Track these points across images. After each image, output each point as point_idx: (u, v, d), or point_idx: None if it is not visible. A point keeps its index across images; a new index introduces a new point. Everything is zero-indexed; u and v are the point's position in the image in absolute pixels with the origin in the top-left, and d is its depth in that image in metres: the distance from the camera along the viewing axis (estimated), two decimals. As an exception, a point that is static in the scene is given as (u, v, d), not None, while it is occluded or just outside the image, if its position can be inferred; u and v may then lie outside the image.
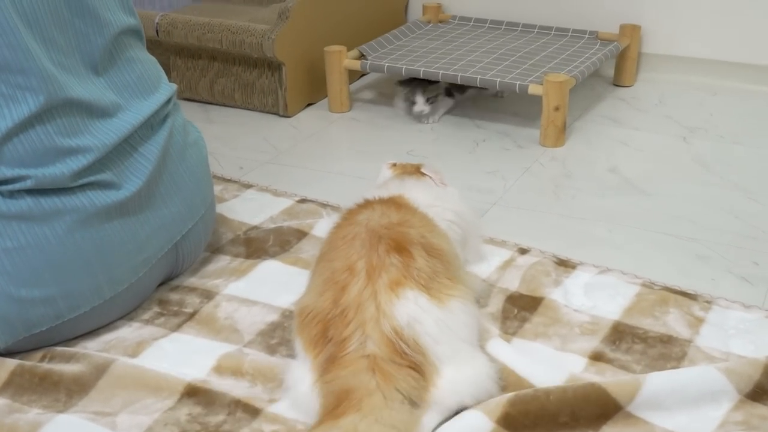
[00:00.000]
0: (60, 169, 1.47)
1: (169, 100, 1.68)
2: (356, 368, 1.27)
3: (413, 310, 1.33)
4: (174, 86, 1.72)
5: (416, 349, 1.30)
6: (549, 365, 1.45)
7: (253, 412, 1.37)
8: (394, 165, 1.80)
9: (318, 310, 1.37)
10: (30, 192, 1.45)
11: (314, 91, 2.68)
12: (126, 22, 1.63)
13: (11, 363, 1.46)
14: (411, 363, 1.29)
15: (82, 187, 1.50)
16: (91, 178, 1.51)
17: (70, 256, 1.48)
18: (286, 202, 2.04)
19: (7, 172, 1.44)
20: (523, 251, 1.80)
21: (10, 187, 1.44)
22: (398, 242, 1.41)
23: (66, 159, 1.48)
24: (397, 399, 1.25)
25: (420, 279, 1.36)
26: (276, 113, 2.62)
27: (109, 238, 1.52)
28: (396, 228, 1.44)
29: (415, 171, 1.77)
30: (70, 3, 1.52)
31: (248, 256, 1.81)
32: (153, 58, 1.72)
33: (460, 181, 2.16)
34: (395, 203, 1.54)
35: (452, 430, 1.28)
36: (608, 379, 1.36)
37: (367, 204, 1.54)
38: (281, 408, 1.38)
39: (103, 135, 1.54)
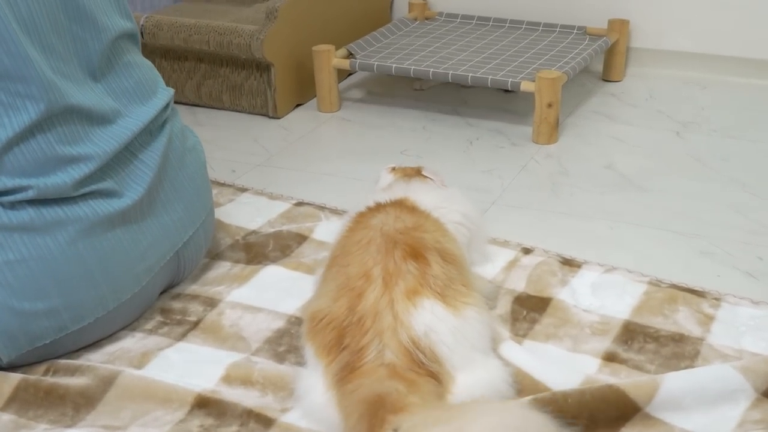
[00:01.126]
0: (62, 178, 1.45)
1: (167, 106, 1.67)
2: (379, 376, 1.27)
3: (430, 320, 1.33)
4: (171, 91, 1.71)
5: (432, 358, 1.30)
6: (563, 367, 1.45)
7: (266, 422, 1.36)
8: (394, 169, 1.80)
9: (333, 316, 1.36)
10: (32, 202, 1.44)
11: (303, 91, 2.68)
12: (123, 26, 1.61)
13: (15, 377, 1.44)
14: (428, 372, 1.29)
15: (84, 197, 1.49)
16: (93, 187, 1.49)
17: (73, 267, 1.46)
18: (283, 206, 2.03)
19: (8, 183, 1.42)
20: (526, 251, 1.81)
21: (11, 197, 1.43)
22: (414, 248, 1.41)
23: (67, 168, 1.46)
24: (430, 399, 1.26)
25: (436, 287, 1.37)
26: (265, 114, 2.61)
27: (111, 247, 1.51)
28: (411, 233, 1.44)
29: (416, 174, 1.77)
30: (68, 8, 1.51)
31: (249, 262, 1.80)
32: (149, 63, 1.70)
33: (456, 181, 2.16)
34: (407, 207, 1.54)
35: None
36: (626, 380, 1.37)
37: (379, 207, 1.54)
38: (294, 417, 1.37)
39: (103, 142, 1.52)
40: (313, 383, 1.34)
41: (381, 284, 1.36)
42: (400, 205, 1.55)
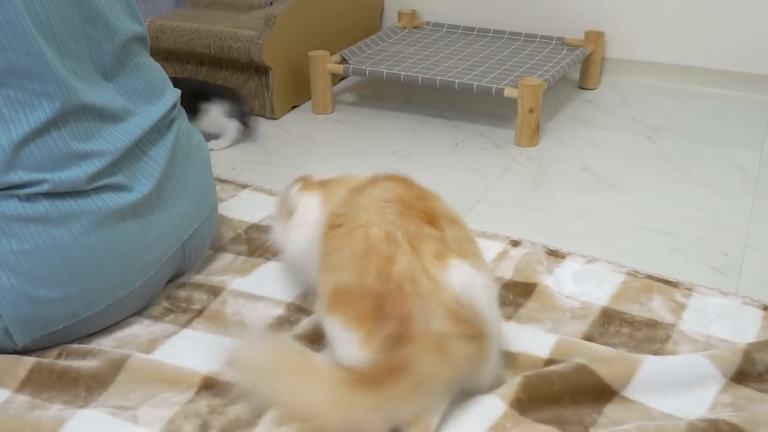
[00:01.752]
0: (76, 173, 1.45)
1: (174, 105, 1.67)
2: (425, 345, 1.22)
3: (464, 279, 1.27)
4: (178, 92, 1.71)
5: (475, 315, 1.25)
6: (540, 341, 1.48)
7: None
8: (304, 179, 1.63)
9: (363, 285, 1.27)
10: (47, 195, 1.43)
11: (299, 93, 2.67)
12: (133, 30, 1.61)
13: (29, 361, 1.44)
14: (473, 331, 1.25)
15: (97, 190, 1.48)
16: (105, 181, 1.49)
17: (86, 256, 1.46)
18: (281, 202, 2.03)
19: (25, 176, 1.42)
20: (515, 243, 1.81)
21: (27, 190, 1.42)
22: (428, 214, 1.34)
23: (81, 163, 1.46)
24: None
25: (455, 249, 1.31)
26: (263, 115, 2.60)
27: (122, 238, 1.51)
28: (422, 201, 1.37)
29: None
30: (82, 11, 1.50)
31: (250, 254, 1.80)
32: (158, 65, 1.70)
33: (444, 179, 2.17)
34: (404, 181, 1.43)
35: (473, 411, 1.30)
36: (603, 366, 1.37)
37: (374, 181, 1.43)
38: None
39: (115, 139, 1.52)
40: (349, 353, 1.27)
41: (409, 248, 1.28)
42: (395, 179, 1.44)
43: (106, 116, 1.52)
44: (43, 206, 1.43)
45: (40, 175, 1.42)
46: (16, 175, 1.41)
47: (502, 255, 1.77)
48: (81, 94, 1.47)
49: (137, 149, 1.56)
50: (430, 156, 2.33)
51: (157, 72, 1.67)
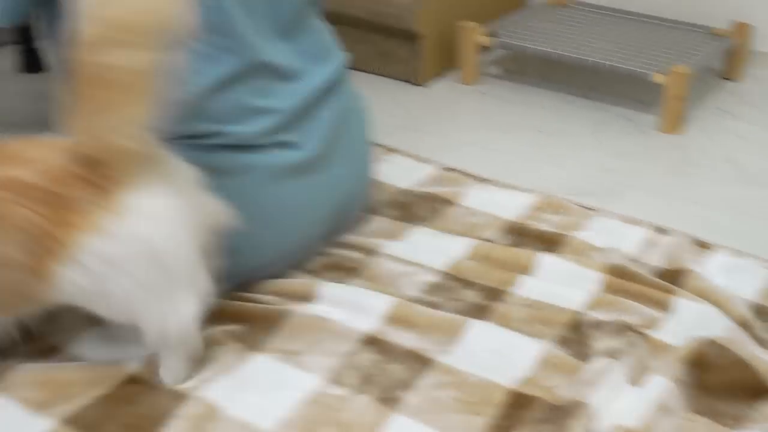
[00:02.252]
0: (252, 128, 1.49)
1: (342, 68, 1.70)
2: None
3: None
4: (346, 54, 1.73)
5: None
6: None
7: (425, 362, 1.39)
8: None
9: None
10: (225, 147, 1.48)
11: (445, 62, 2.67)
12: None
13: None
14: None
15: (271, 146, 1.52)
16: (279, 138, 1.53)
17: (257, 209, 1.49)
18: (431, 169, 2.03)
19: (207, 127, 1.47)
20: (660, 230, 1.79)
21: (209, 140, 1.47)
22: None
23: (258, 118, 1.50)
24: None
25: None
26: (409, 81, 2.61)
27: (289, 194, 1.55)
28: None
29: None
30: None
31: (402, 219, 1.81)
32: (327, 27, 1.73)
33: (586, 160, 2.16)
34: None
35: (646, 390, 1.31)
36: (761, 363, 1.36)
37: None
38: (452, 360, 1.40)
39: (288, 98, 1.56)
40: None
41: None
42: None
43: (281, 75, 1.56)
44: (222, 157, 1.47)
45: (221, 127, 1.47)
46: (200, 126, 1.47)
47: (649, 242, 1.75)
48: (261, 52, 1.51)
49: (306, 109, 1.60)
50: (573, 136, 2.31)
51: (327, 34, 1.70)
